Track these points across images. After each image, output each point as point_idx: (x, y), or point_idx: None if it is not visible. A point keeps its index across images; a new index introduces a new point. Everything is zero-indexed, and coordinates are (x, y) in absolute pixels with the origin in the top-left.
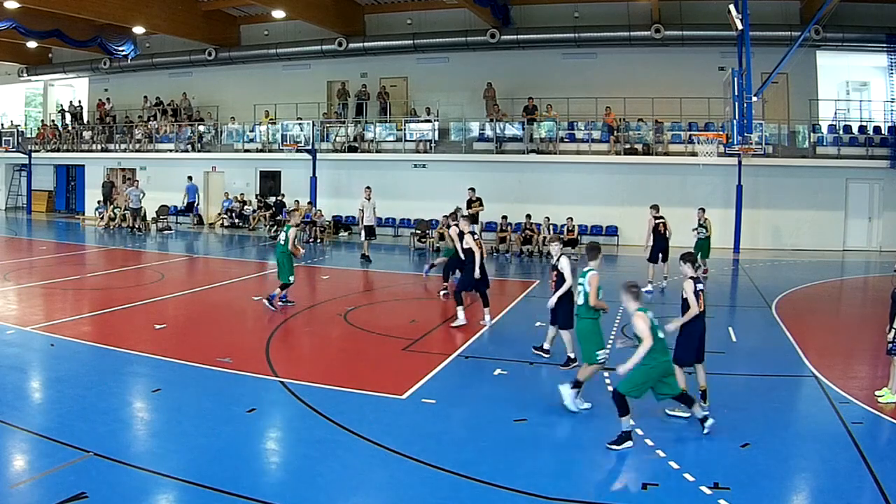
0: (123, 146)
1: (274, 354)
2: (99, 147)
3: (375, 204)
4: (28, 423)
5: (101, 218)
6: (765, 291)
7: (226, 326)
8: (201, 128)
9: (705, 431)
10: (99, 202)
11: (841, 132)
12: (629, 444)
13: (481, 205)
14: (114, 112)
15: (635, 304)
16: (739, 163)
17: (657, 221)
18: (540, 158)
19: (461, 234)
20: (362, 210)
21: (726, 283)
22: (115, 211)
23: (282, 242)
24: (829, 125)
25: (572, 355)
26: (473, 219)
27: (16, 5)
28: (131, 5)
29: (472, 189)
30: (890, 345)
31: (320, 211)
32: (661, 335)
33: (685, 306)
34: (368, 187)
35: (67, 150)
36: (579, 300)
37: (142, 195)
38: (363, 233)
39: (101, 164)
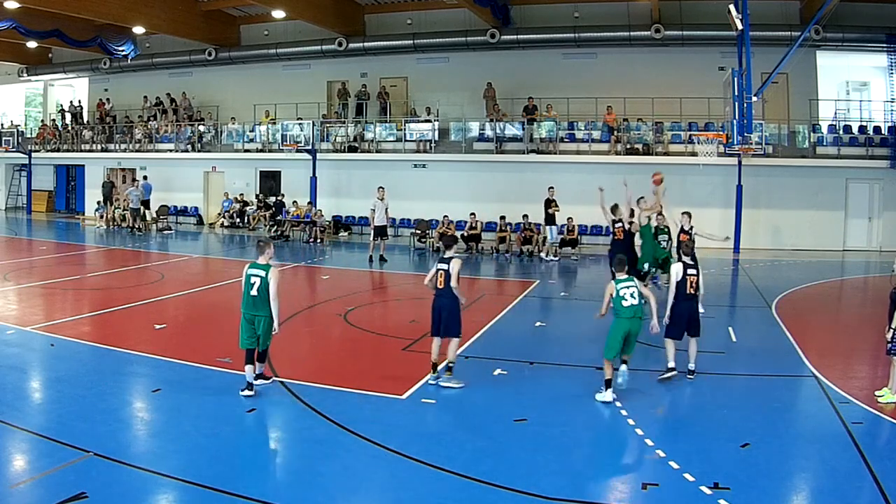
0: (123, 146)
1: (274, 354)
2: (99, 147)
3: (388, 204)
4: (28, 423)
5: (101, 217)
6: (765, 291)
7: (226, 326)
8: (201, 128)
9: None
10: (99, 203)
11: (841, 132)
12: None
13: (557, 206)
14: (114, 112)
15: None
16: (739, 163)
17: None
18: (540, 158)
19: None
20: (374, 210)
21: (726, 283)
22: (116, 211)
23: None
24: (829, 125)
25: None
26: (550, 220)
27: (16, 5)
28: (131, 5)
29: (552, 188)
30: (889, 345)
31: (320, 211)
32: None
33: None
34: (381, 187)
35: (67, 150)
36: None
37: (142, 195)
38: (373, 233)
39: (101, 164)
